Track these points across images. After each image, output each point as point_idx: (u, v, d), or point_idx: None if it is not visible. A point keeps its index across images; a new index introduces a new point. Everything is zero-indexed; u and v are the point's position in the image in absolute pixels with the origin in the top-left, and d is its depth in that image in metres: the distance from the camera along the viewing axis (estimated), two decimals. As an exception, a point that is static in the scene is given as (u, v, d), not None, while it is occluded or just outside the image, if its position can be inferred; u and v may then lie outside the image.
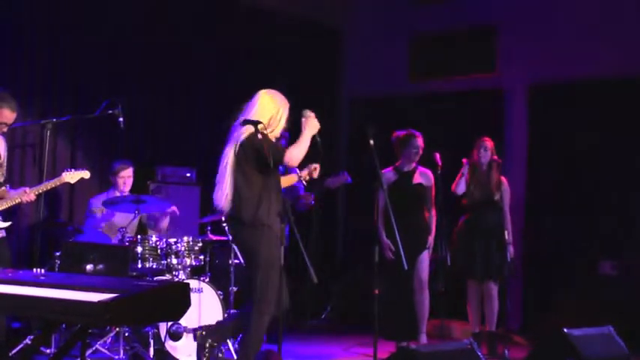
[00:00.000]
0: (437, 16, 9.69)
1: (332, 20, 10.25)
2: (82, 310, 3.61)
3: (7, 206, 6.11)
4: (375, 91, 10.03)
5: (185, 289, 3.91)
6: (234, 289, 7.14)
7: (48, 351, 6.29)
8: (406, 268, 6.14)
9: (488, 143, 7.59)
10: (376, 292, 6.00)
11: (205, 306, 6.56)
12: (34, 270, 4.43)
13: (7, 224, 6.17)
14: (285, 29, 9.72)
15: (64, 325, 6.28)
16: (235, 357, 6.63)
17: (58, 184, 6.35)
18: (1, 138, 6.22)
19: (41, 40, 8.04)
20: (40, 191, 6.22)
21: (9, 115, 6.11)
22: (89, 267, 5.80)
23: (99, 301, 3.55)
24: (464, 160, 7.64)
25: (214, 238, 7.30)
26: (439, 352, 4.87)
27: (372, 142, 6.04)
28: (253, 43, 9.42)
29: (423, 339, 7.31)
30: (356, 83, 10.33)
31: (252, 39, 9.42)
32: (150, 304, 3.75)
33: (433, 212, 7.52)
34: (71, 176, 6.41)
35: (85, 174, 6.44)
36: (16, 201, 6.13)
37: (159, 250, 6.74)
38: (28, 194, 6.15)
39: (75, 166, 8.33)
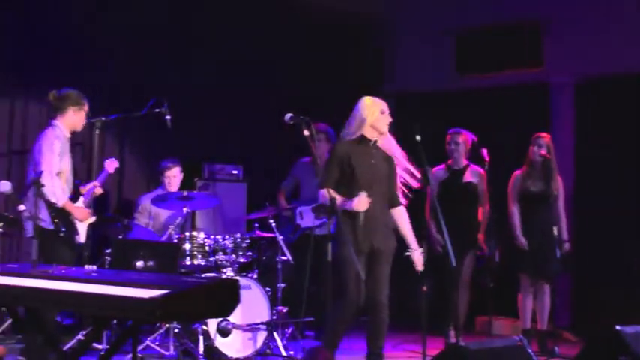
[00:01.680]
0: (483, 9, 9.58)
1: (378, 15, 10.19)
2: (134, 306, 3.64)
3: (91, 201, 6.25)
4: (421, 86, 9.95)
5: (234, 286, 3.92)
6: (282, 285, 7.14)
7: (100, 347, 6.36)
8: (454, 265, 6.11)
9: (543, 139, 7.48)
10: (424, 288, 5.97)
11: (253, 303, 6.57)
12: (86, 267, 4.46)
13: (94, 219, 6.27)
14: (331, 25, 9.69)
15: (114, 322, 6.36)
16: (284, 353, 6.65)
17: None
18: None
19: (92, 39, 8.12)
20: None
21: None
22: (139, 264, 5.84)
23: (150, 298, 3.57)
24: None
25: (262, 234, 7.30)
26: (489, 348, 4.81)
27: (418, 138, 6.01)
28: (298, 40, 9.41)
29: (452, 335, 7.33)
30: (402, 78, 10.25)
31: (297, 36, 9.41)
32: (200, 300, 3.77)
33: (486, 209, 7.48)
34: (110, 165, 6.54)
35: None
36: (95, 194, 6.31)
37: (207, 247, 6.77)
38: (98, 188, 6.30)
39: (123, 164, 8.42)
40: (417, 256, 5.93)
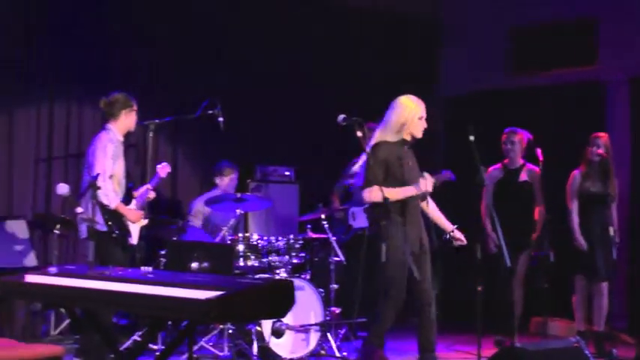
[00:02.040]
0: (538, 8, 9.47)
1: (430, 14, 10.14)
2: (190, 307, 3.65)
3: (144, 204, 6.31)
4: (476, 85, 9.86)
5: (289, 287, 3.91)
6: (335, 286, 7.13)
7: (155, 347, 6.42)
8: (509, 265, 6.05)
9: (601, 139, 7.37)
10: (479, 289, 5.92)
11: (306, 304, 6.57)
12: (142, 268, 4.50)
13: (147, 221, 6.34)
14: (381, 26, 9.66)
15: (168, 323, 6.41)
16: (338, 354, 6.65)
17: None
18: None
19: (140, 41, 8.20)
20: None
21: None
22: (194, 265, 5.87)
23: (206, 299, 3.58)
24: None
25: (314, 235, 7.30)
26: (546, 350, 4.75)
27: (472, 138, 5.98)
28: (349, 41, 9.39)
29: (517, 336, 7.25)
30: (456, 78, 10.18)
31: (348, 37, 9.40)
32: (255, 301, 3.76)
33: (542, 209, 7.40)
34: (162, 169, 6.58)
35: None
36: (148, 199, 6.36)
37: (260, 249, 6.80)
38: (150, 191, 6.36)
39: (177, 166, 8.49)
40: (457, 233, 6.01)
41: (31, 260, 6.81)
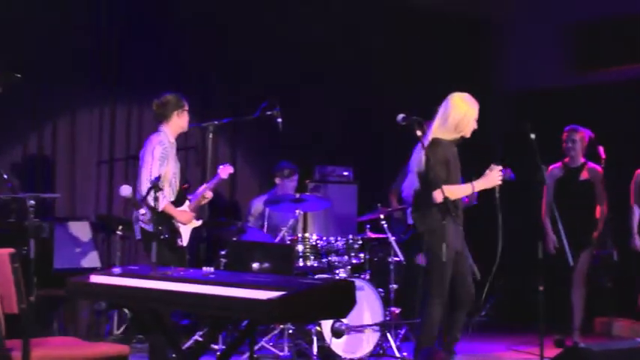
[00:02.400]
0: (596, 3, 9.32)
1: (491, 12, 10.06)
2: (252, 307, 3.68)
3: (197, 205, 6.36)
4: (534, 83, 9.75)
5: (350, 287, 3.92)
6: (394, 286, 7.11)
7: (216, 347, 6.48)
8: (571, 264, 5.99)
9: None
10: (541, 288, 5.86)
11: (366, 304, 6.57)
12: (204, 268, 4.54)
13: (199, 222, 6.40)
14: (443, 24, 9.61)
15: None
16: (398, 354, 6.64)
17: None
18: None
19: (199, 42, 8.28)
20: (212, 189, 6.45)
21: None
22: (255, 265, 5.90)
23: (268, 299, 3.60)
24: None
25: (373, 235, 7.30)
26: (612, 351, 4.68)
27: (533, 136, 5.93)
28: (410, 40, 9.35)
29: (576, 336, 7.16)
30: (513, 76, 10.08)
31: (408, 36, 9.36)
32: (317, 301, 3.78)
33: (604, 208, 7.30)
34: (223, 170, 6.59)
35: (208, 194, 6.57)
36: (203, 201, 6.38)
37: (319, 249, 6.82)
38: (207, 192, 6.39)
39: (235, 167, 8.52)
40: None
41: (94, 261, 6.91)
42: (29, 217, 5.32)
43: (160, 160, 6.04)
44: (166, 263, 5.78)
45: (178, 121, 6.25)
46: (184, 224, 6.11)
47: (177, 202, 6.11)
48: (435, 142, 5.69)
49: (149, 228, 6.01)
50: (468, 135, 5.77)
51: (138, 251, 7.70)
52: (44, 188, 7.44)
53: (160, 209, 5.94)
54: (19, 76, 5.80)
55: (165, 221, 5.99)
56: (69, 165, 7.65)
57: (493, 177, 5.68)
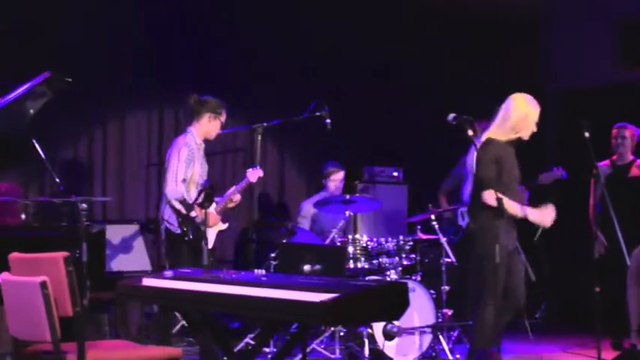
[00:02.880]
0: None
1: (538, 10, 9.95)
2: (305, 309, 3.67)
3: (224, 208, 6.36)
4: (585, 80, 9.62)
5: (403, 289, 3.90)
6: (446, 288, 7.06)
7: (267, 350, 6.49)
8: (628, 263, 5.89)
9: None
10: (597, 289, 5.78)
11: (418, 306, 6.53)
12: (255, 271, 4.55)
13: (226, 226, 6.43)
14: (490, 22, 9.51)
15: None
16: (450, 357, 6.60)
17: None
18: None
19: (247, 44, 8.31)
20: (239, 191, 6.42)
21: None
22: (307, 267, 5.89)
23: (321, 301, 3.59)
24: None
25: (424, 236, 7.26)
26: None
27: (587, 134, 5.86)
28: (457, 38, 9.29)
29: (634, 337, 7.04)
30: (563, 73, 9.96)
31: (456, 34, 9.29)
32: (369, 303, 3.77)
33: None
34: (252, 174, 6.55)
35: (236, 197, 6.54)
36: (230, 204, 6.38)
37: (370, 250, 6.79)
38: (236, 195, 6.39)
39: (284, 168, 8.57)
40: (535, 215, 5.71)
41: (144, 264, 6.96)
42: (81, 221, 5.37)
43: (186, 161, 6.06)
44: (188, 265, 5.79)
45: (208, 125, 6.23)
46: (210, 227, 6.12)
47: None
48: (488, 141, 5.64)
49: (174, 229, 6.05)
50: (526, 137, 5.71)
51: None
52: (95, 191, 7.54)
53: (184, 212, 5.94)
54: (69, 80, 5.86)
55: (190, 223, 6.01)
56: (119, 168, 7.73)
57: (545, 216, 5.63)
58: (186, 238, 6.04)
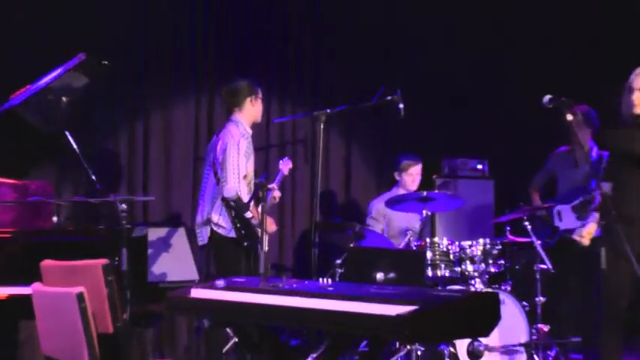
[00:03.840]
0: None
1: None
2: (379, 324, 3.65)
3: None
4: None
5: (495, 301, 3.89)
6: (542, 299, 6.96)
7: (333, 369, 6.47)
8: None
9: None
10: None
11: (508, 320, 6.44)
12: (320, 280, 4.52)
13: (276, 228, 6.44)
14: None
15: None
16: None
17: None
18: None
19: (305, 30, 8.37)
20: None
21: None
22: (380, 275, 5.87)
23: (397, 315, 3.57)
24: None
25: (515, 239, 7.18)
26: None
27: None
28: (550, 22, 9.16)
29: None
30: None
31: (549, 18, 9.16)
32: (454, 317, 3.74)
33: None
34: (284, 165, 6.62)
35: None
36: (273, 202, 6.44)
37: (451, 256, 6.76)
38: (275, 191, 6.42)
39: (350, 162, 8.53)
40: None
41: (191, 273, 6.99)
42: (121, 223, 5.39)
43: (246, 155, 6.10)
44: (240, 272, 5.80)
45: (252, 110, 6.38)
46: (269, 232, 6.15)
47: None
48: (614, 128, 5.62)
49: (225, 232, 6.06)
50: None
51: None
52: (136, 190, 7.59)
53: (247, 215, 5.95)
54: (106, 63, 5.91)
55: (248, 227, 6.01)
56: (163, 164, 7.77)
57: None
58: (245, 244, 6.05)
